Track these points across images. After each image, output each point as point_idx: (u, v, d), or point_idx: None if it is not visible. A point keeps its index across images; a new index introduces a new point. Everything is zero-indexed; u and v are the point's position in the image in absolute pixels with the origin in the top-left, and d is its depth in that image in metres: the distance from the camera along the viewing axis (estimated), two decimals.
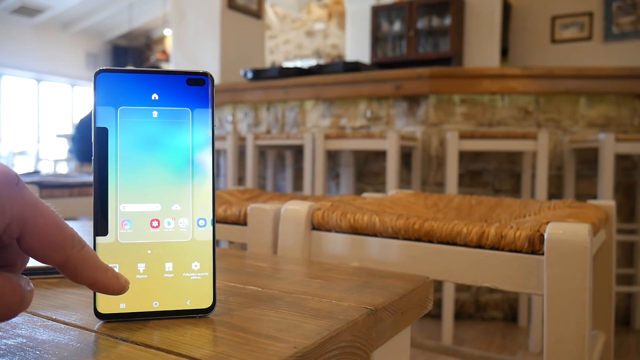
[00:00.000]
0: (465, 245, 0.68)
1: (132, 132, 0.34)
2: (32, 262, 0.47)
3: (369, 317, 0.37)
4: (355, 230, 0.76)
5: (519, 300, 2.28)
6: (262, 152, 2.91)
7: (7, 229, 0.24)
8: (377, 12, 5.47)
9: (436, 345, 1.28)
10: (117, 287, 0.29)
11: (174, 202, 0.35)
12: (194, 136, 0.36)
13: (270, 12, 7.93)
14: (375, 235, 0.75)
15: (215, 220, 0.37)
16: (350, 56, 5.78)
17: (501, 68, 2.61)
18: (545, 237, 0.62)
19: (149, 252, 0.35)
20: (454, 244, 0.69)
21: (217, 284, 0.36)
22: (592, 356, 0.83)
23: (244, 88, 2.97)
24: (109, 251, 0.34)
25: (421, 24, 5.24)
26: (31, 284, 0.27)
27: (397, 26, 5.38)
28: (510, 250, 0.65)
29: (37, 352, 0.29)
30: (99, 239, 0.34)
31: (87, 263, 0.28)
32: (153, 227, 0.35)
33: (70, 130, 7.67)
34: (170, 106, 0.35)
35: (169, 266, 0.35)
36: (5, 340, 0.30)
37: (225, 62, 3.48)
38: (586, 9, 5.09)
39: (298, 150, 2.79)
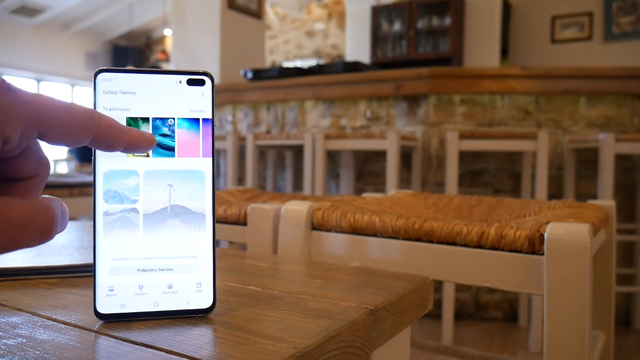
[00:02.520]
0: (465, 245, 0.68)
1: None
2: (33, 262, 0.47)
3: (369, 317, 0.37)
4: (355, 230, 0.76)
5: (519, 300, 2.28)
6: (262, 152, 2.91)
7: (22, 135, 0.24)
8: (377, 12, 5.47)
9: (436, 345, 1.28)
10: (147, 142, 0.29)
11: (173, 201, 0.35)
12: None
13: (270, 12, 7.93)
14: (375, 235, 0.75)
15: (215, 220, 0.37)
16: (350, 56, 5.78)
17: (501, 68, 2.62)
18: (545, 237, 0.62)
19: (150, 252, 0.35)
20: (454, 244, 0.69)
21: (217, 284, 0.36)
22: (592, 356, 0.83)
23: (244, 88, 2.97)
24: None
25: (421, 24, 5.24)
26: (65, 205, 0.26)
27: (397, 26, 5.38)
28: (510, 250, 0.65)
29: (37, 352, 0.29)
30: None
31: (113, 130, 0.27)
32: None
33: None
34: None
35: (169, 266, 0.35)
36: (5, 340, 0.30)
37: (225, 62, 3.48)
38: (586, 9, 5.09)
39: (298, 150, 2.79)
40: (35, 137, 0.25)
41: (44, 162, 0.28)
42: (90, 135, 0.26)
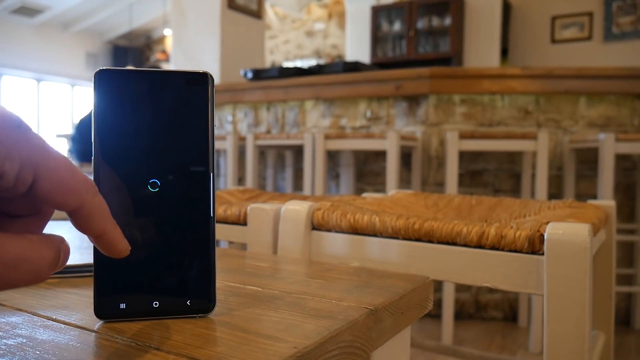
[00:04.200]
0: (465, 245, 0.68)
1: None
2: None
3: (369, 317, 0.37)
4: (355, 230, 0.76)
5: (519, 300, 2.28)
6: (262, 152, 2.91)
7: (19, 175, 0.23)
8: (377, 12, 5.47)
9: (436, 345, 1.28)
10: (122, 246, 0.28)
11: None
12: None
13: (270, 12, 7.93)
14: (375, 235, 0.75)
15: (215, 220, 0.37)
16: (350, 56, 5.78)
17: (501, 68, 2.61)
18: (545, 237, 0.62)
19: (150, 252, 0.35)
20: (454, 244, 0.69)
21: (217, 284, 0.36)
22: (592, 356, 0.83)
23: (244, 88, 2.97)
24: None
25: (421, 24, 5.24)
26: (66, 244, 0.25)
27: (397, 26, 5.38)
28: (510, 250, 0.65)
29: (37, 352, 0.29)
30: None
31: (101, 211, 0.26)
32: None
33: (70, 130, 7.67)
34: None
35: (169, 266, 0.35)
36: (5, 340, 0.30)
37: (225, 62, 3.48)
38: (586, 9, 5.09)
39: (298, 150, 2.79)
40: (29, 182, 0.23)
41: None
42: (78, 204, 0.25)
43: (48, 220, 0.27)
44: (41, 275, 0.23)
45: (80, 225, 0.26)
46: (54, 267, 0.24)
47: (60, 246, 0.25)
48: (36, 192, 0.24)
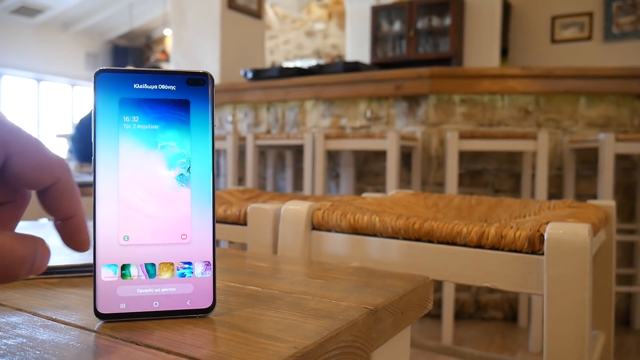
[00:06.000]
0: (465, 245, 0.68)
1: (133, 132, 0.34)
2: None
3: (369, 317, 0.37)
4: (355, 230, 0.76)
5: (519, 300, 2.28)
6: (262, 152, 2.91)
7: None
8: (377, 12, 5.47)
9: (436, 345, 1.28)
10: (86, 236, 0.27)
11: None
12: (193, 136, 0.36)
13: (270, 12, 7.93)
14: (375, 235, 0.75)
15: (215, 220, 0.37)
16: (350, 56, 5.78)
17: (501, 68, 2.62)
18: (545, 237, 0.62)
19: (150, 253, 0.35)
20: (454, 244, 0.69)
21: (217, 284, 0.36)
22: (592, 356, 0.83)
23: (244, 88, 2.97)
24: (110, 251, 0.34)
25: (421, 24, 5.23)
26: (46, 246, 0.24)
27: (397, 26, 5.38)
28: (510, 250, 0.65)
29: (37, 352, 0.29)
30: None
31: (74, 192, 0.26)
32: None
33: (70, 130, 7.67)
34: None
35: (169, 266, 0.35)
36: (5, 340, 0.30)
37: (225, 62, 3.48)
38: (586, 9, 5.09)
39: (298, 150, 2.79)
40: (0, 162, 0.23)
41: (23, 190, 0.26)
42: (54, 179, 0.25)
43: (23, 210, 0.27)
44: (10, 272, 0.23)
45: (52, 203, 0.26)
46: (27, 266, 0.23)
47: (37, 246, 0.24)
48: (10, 171, 0.24)
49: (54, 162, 0.25)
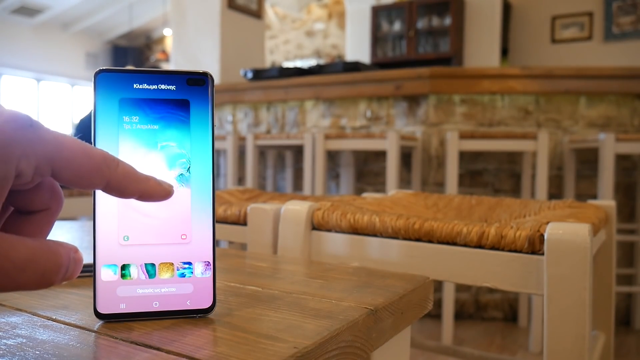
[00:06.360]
0: (465, 245, 0.68)
1: (132, 132, 0.34)
2: None
3: (369, 317, 0.37)
4: (355, 230, 0.76)
5: (519, 300, 2.28)
6: (262, 152, 2.91)
7: (36, 172, 0.24)
8: (377, 12, 5.47)
9: (436, 345, 1.28)
10: (162, 193, 0.29)
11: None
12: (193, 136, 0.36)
13: (270, 12, 7.93)
14: (375, 235, 0.75)
15: (215, 220, 0.37)
16: (350, 56, 5.78)
17: (501, 68, 2.62)
18: (545, 237, 0.62)
19: (149, 253, 0.35)
20: (454, 244, 0.69)
21: (217, 284, 0.36)
22: (592, 356, 0.83)
23: (244, 88, 2.97)
24: (110, 251, 0.34)
25: (421, 24, 5.23)
26: (79, 254, 0.26)
27: (397, 26, 5.38)
28: (510, 250, 0.65)
29: (37, 352, 0.29)
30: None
31: (129, 178, 0.27)
32: None
33: (70, 130, 7.67)
34: None
35: (169, 266, 0.35)
36: (5, 340, 0.30)
37: (225, 62, 3.48)
38: (586, 9, 5.09)
39: (298, 150, 2.79)
40: (47, 175, 0.25)
41: (57, 196, 0.28)
42: (104, 182, 0.26)
43: (57, 216, 0.28)
44: (48, 279, 0.24)
45: (117, 195, 0.27)
46: (62, 274, 0.24)
47: (70, 254, 0.25)
48: (61, 182, 0.25)
49: (100, 164, 0.26)
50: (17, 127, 0.23)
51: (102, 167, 0.26)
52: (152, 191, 0.28)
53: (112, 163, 0.26)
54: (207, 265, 0.36)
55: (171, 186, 0.30)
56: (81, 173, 0.25)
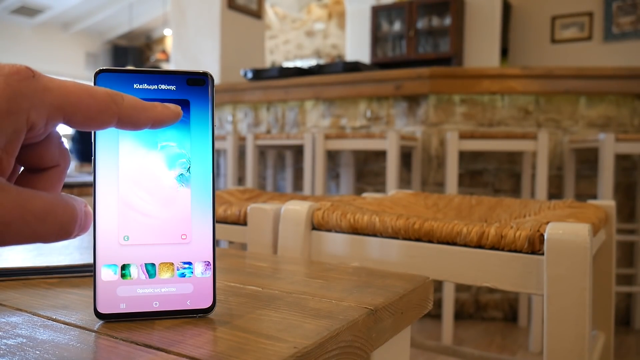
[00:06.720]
0: (465, 245, 0.68)
1: (132, 132, 0.34)
2: (33, 262, 0.47)
3: (369, 317, 0.37)
4: (355, 230, 0.76)
5: (519, 300, 2.28)
6: (262, 152, 2.91)
7: (48, 121, 0.24)
8: (377, 12, 5.47)
9: (436, 345, 1.28)
10: (172, 116, 0.29)
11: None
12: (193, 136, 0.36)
13: (270, 12, 7.93)
14: (375, 235, 0.75)
15: (215, 220, 0.37)
16: (350, 56, 5.78)
17: (501, 68, 2.62)
18: (545, 237, 0.62)
19: (150, 253, 0.35)
20: (454, 244, 0.69)
21: (217, 284, 0.36)
22: (592, 356, 0.83)
23: (244, 88, 2.97)
24: (110, 251, 0.34)
25: (421, 24, 5.23)
26: (89, 208, 0.27)
27: (397, 26, 5.38)
28: (510, 250, 0.65)
29: (37, 352, 0.29)
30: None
31: (137, 109, 0.28)
32: None
33: (70, 130, 7.67)
34: None
35: (169, 266, 0.35)
36: (5, 340, 0.30)
37: (225, 62, 3.48)
38: (586, 9, 5.09)
39: (298, 150, 2.79)
40: (60, 122, 0.25)
41: (64, 152, 0.28)
42: (115, 118, 0.26)
43: (66, 172, 0.29)
44: (66, 229, 0.25)
45: (130, 129, 0.28)
46: (78, 225, 0.25)
47: (82, 207, 0.26)
48: (73, 126, 0.26)
49: (108, 101, 0.26)
50: (21, 78, 0.23)
51: (109, 104, 0.26)
52: (162, 116, 0.29)
53: (117, 98, 0.27)
54: (207, 265, 0.36)
55: (178, 107, 0.30)
56: (91, 114, 0.25)
